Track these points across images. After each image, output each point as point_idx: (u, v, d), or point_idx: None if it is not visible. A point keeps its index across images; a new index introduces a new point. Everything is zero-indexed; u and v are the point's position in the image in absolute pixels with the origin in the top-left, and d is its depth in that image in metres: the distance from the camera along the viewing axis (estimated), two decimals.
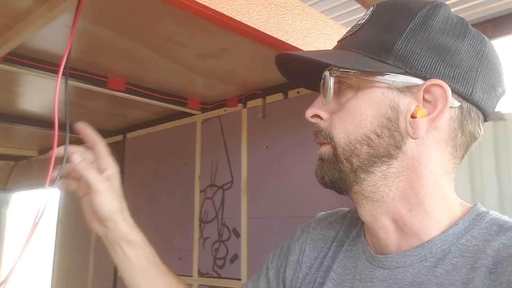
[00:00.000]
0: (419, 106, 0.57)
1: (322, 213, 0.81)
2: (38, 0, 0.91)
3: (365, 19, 0.62)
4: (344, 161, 0.60)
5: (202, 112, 1.68)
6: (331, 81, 0.59)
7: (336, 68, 0.59)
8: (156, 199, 1.83)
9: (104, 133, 2.12)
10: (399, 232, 0.61)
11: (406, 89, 0.58)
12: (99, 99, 1.65)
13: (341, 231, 0.73)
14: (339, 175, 0.61)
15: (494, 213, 0.61)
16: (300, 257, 0.75)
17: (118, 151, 2.02)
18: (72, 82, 1.28)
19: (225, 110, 1.61)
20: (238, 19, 0.82)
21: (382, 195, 0.59)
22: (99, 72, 1.36)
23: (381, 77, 0.57)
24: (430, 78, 0.57)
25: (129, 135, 2.00)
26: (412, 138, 0.58)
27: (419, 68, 0.57)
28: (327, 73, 0.60)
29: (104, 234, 0.77)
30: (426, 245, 0.59)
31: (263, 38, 0.89)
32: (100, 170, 0.75)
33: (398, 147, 0.58)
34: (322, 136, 0.62)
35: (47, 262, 2.42)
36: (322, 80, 0.61)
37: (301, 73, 0.67)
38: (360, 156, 0.59)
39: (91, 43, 1.18)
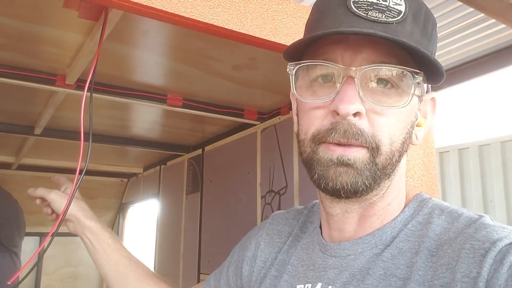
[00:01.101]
0: (421, 116, 0.63)
1: (280, 211, 0.84)
2: (84, 33, 1.11)
3: (402, 6, 0.56)
4: (382, 168, 0.57)
5: (261, 122, 1.77)
6: (414, 85, 0.56)
7: (421, 73, 0.56)
8: (227, 205, 1.96)
9: (187, 148, 2.34)
10: (360, 222, 0.63)
11: (421, 98, 0.61)
12: (182, 118, 1.86)
13: (297, 227, 0.75)
14: (373, 184, 0.57)
15: (436, 200, 0.64)
16: (256, 252, 0.77)
17: (198, 164, 2.21)
18: (134, 101, 1.49)
19: (279, 118, 1.68)
20: (229, 28, 0.90)
21: (379, 196, 0.61)
22: (159, 91, 1.55)
23: (425, 85, 0.60)
24: (428, 90, 0.63)
25: (206, 148, 2.18)
26: (414, 144, 0.63)
27: (437, 78, 0.59)
28: (411, 75, 0.56)
29: (73, 230, 0.96)
30: (376, 233, 0.61)
31: (258, 42, 0.95)
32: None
33: (406, 152, 0.61)
34: (362, 139, 0.55)
35: (149, 265, 2.70)
36: (389, 77, 0.56)
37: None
38: (393, 164, 0.58)
39: (150, 67, 1.36)
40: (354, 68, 0.55)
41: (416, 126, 0.62)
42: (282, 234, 0.76)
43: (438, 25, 0.75)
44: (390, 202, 0.62)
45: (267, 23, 0.96)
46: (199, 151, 2.23)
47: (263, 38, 0.95)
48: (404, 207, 0.63)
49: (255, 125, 1.80)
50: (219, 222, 1.96)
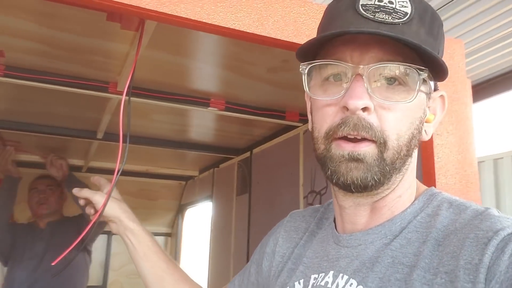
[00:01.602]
0: (430, 113, 0.66)
1: (297, 210, 0.88)
2: (129, 43, 1.22)
3: (409, 8, 0.59)
4: (390, 164, 0.59)
5: (303, 124, 1.81)
6: (419, 81, 0.58)
7: (425, 69, 0.58)
8: (273, 205, 2.00)
9: (237, 151, 2.42)
10: (372, 214, 0.66)
11: (429, 95, 0.64)
12: (232, 122, 1.96)
13: (313, 223, 0.79)
14: (383, 179, 0.59)
15: (446, 194, 0.66)
16: (274, 248, 0.81)
17: (247, 166, 2.28)
18: (177, 105, 1.59)
19: None
20: (250, 31, 0.96)
21: (390, 190, 0.64)
22: (203, 95, 1.64)
23: (430, 83, 0.63)
24: (437, 88, 0.66)
25: (254, 151, 2.24)
26: (423, 140, 0.66)
27: (441, 75, 0.62)
28: (417, 72, 0.58)
29: (116, 230, 1.00)
30: (386, 224, 0.64)
31: (281, 44, 1.00)
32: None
33: (416, 146, 0.64)
34: (371, 132, 0.58)
35: (204, 265, 2.82)
36: (396, 73, 0.59)
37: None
38: (402, 158, 0.60)
39: (193, 74, 1.46)
40: (362, 66, 0.58)
41: (425, 122, 0.64)
42: (299, 230, 0.80)
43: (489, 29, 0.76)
44: (400, 194, 0.64)
45: (288, 25, 1.00)
46: (248, 154, 2.30)
47: (285, 40, 0.99)
48: (414, 200, 0.65)
49: (297, 126, 1.84)
50: (266, 222, 2.01)
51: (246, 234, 2.19)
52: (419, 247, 0.58)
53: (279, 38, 0.99)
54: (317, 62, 0.63)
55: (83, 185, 2.24)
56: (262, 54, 1.27)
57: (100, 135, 2.08)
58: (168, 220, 3.47)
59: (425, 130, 0.65)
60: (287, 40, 1.00)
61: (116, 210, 0.98)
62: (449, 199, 0.63)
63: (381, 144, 0.58)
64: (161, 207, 3.38)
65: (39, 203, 2.33)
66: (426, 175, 1.10)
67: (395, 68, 0.59)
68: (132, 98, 1.51)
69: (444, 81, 1.13)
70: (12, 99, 1.75)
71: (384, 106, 0.58)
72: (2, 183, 2.27)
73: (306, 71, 0.64)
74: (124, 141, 1.03)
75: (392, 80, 0.59)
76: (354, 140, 0.58)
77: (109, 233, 3.25)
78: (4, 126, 2.00)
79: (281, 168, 1.97)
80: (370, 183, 0.58)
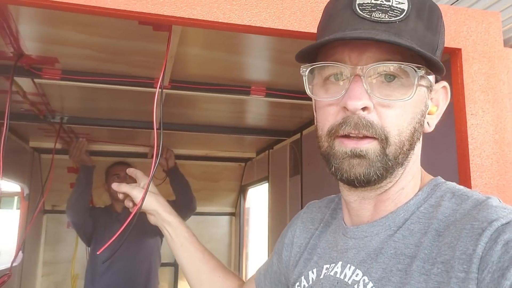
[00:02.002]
0: (433, 104, 0.67)
1: (314, 201, 0.90)
2: (164, 42, 1.30)
3: (405, 4, 0.60)
4: (393, 159, 0.60)
5: None
6: (417, 78, 0.60)
7: (423, 66, 0.59)
8: (322, 188, 2.03)
9: (288, 133, 2.46)
10: (376, 207, 0.68)
11: (431, 88, 0.66)
12: (283, 107, 2.01)
13: (328, 214, 0.82)
14: (385, 174, 0.61)
15: (451, 184, 0.67)
16: (292, 239, 0.85)
17: (298, 148, 2.31)
18: (219, 95, 1.66)
19: None
20: (267, 26, 0.99)
21: (392, 183, 0.66)
22: (244, 84, 1.69)
23: (430, 77, 0.65)
24: (439, 80, 0.67)
25: (304, 132, 2.26)
26: (427, 132, 0.67)
27: (439, 70, 0.63)
28: (414, 70, 0.59)
29: (155, 222, 1.05)
30: (390, 216, 0.66)
31: (298, 35, 1.01)
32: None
33: (419, 139, 0.65)
34: (372, 130, 0.59)
35: (264, 242, 2.92)
36: (392, 72, 0.60)
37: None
38: (404, 153, 0.62)
39: (233, 64, 1.52)
40: (360, 67, 0.59)
41: (428, 114, 0.65)
42: (315, 221, 0.83)
43: None
44: (403, 186, 0.66)
45: (306, 16, 1.01)
46: (298, 136, 2.33)
47: (304, 31, 1.01)
48: (418, 191, 0.66)
49: None
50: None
51: None
52: (421, 238, 0.59)
53: (296, 29, 1.00)
54: (317, 65, 0.65)
55: (184, 179, 2.49)
56: (293, 42, 1.29)
57: (156, 125, 2.22)
58: (231, 200, 3.61)
59: (427, 122, 0.66)
60: (306, 31, 1.01)
61: (153, 204, 1.03)
62: (452, 189, 0.64)
63: (383, 141, 0.59)
64: (223, 188, 3.52)
65: (115, 197, 2.51)
66: (461, 156, 1.07)
67: (393, 67, 0.60)
68: (171, 91, 1.62)
69: (480, 57, 1.09)
70: (80, 98, 1.94)
71: (383, 104, 0.60)
72: (79, 172, 2.51)
73: (306, 73, 0.66)
74: (158, 127, 1.10)
75: (390, 78, 0.60)
76: (356, 136, 0.59)
77: None
78: (78, 122, 2.22)
79: None
80: (373, 178, 0.60)
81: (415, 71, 0.59)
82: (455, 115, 1.09)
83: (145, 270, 2.51)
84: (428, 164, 0.72)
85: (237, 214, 3.59)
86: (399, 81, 0.60)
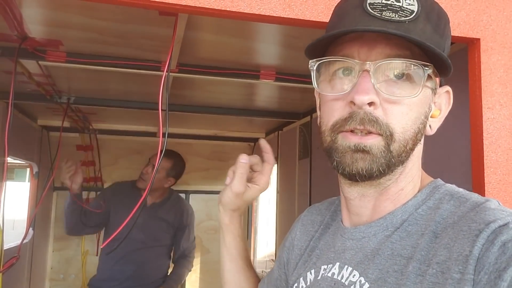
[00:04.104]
0: (435, 108, 0.67)
1: (314, 204, 0.89)
2: (171, 26, 1.26)
3: (415, 6, 0.60)
4: (396, 156, 0.61)
5: None
6: (425, 76, 0.60)
7: (430, 65, 0.60)
8: (331, 171, 2.00)
9: (298, 115, 2.42)
10: (375, 207, 0.68)
11: (435, 91, 0.66)
12: (293, 90, 1.99)
13: (328, 216, 0.81)
14: (388, 170, 0.61)
15: (450, 186, 0.67)
16: (293, 242, 0.85)
17: (307, 130, 2.28)
18: (228, 79, 1.63)
19: None
20: (277, 15, 0.94)
21: (392, 181, 0.65)
22: (254, 68, 1.65)
23: (435, 80, 0.65)
24: (443, 84, 0.67)
25: (314, 115, 2.23)
26: (428, 134, 0.67)
27: (446, 70, 0.63)
28: (422, 67, 0.59)
29: (220, 216, 0.93)
30: (388, 216, 0.66)
31: (310, 24, 0.97)
32: (250, 179, 0.88)
33: (420, 140, 0.65)
34: (377, 126, 0.59)
35: (272, 222, 2.93)
36: (403, 70, 0.60)
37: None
38: (407, 151, 0.62)
39: (242, 49, 1.48)
40: (369, 63, 0.59)
41: (430, 117, 0.66)
42: (315, 223, 0.83)
43: None
44: (403, 187, 0.65)
45: (318, 3, 0.97)
46: (308, 118, 2.29)
47: (315, 20, 0.97)
48: (417, 193, 0.66)
49: None
50: (325, 188, 2.02)
51: (307, 198, 2.23)
52: (417, 240, 0.59)
53: (308, 18, 0.96)
54: (326, 59, 0.64)
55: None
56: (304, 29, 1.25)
57: (163, 106, 2.20)
58: None
59: (429, 125, 0.66)
60: (318, 20, 0.97)
61: (232, 205, 0.89)
62: (451, 191, 0.63)
63: (388, 137, 0.59)
64: None
65: (141, 177, 2.46)
66: (475, 152, 1.04)
67: (401, 64, 0.60)
68: (179, 74, 1.60)
69: (499, 47, 1.04)
70: (86, 80, 1.91)
71: (390, 100, 0.60)
72: (68, 196, 2.32)
73: (314, 68, 0.65)
74: (164, 109, 1.11)
75: (398, 76, 0.60)
76: (361, 131, 0.59)
77: (186, 192, 3.48)
78: (85, 102, 2.21)
79: None
80: (375, 174, 0.60)
81: (423, 70, 0.59)
82: (470, 109, 1.05)
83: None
84: (440, 159, 0.71)
85: None
86: (406, 78, 0.60)
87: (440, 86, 0.67)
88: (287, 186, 2.61)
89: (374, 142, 0.59)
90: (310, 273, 0.72)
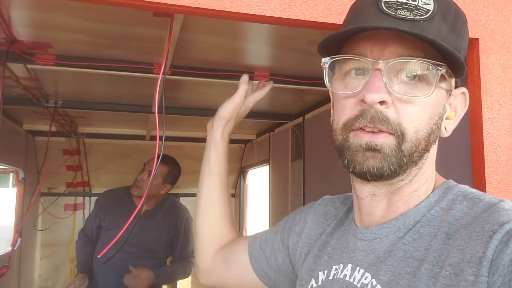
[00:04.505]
0: (451, 109, 0.66)
1: (329, 195, 0.89)
2: (165, 28, 1.23)
3: (431, 5, 0.60)
4: (408, 156, 0.60)
5: None
6: (437, 76, 0.59)
7: (443, 65, 0.59)
8: (325, 172, 1.99)
9: (290, 116, 2.41)
10: (388, 207, 0.67)
11: (450, 92, 0.66)
12: (286, 91, 1.97)
13: (343, 212, 0.81)
14: (399, 170, 0.60)
15: (464, 187, 0.66)
16: (302, 229, 0.84)
17: (300, 131, 2.27)
18: (221, 81, 1.60)
19: None
20: (276, 16, 0.92)
21: (405, 182, 0.65)
22: (247, 69, 1.62)
23: (450, 81, 0.65)
24: (459, 85, 0.66)
25: (306, 116, 2.22)
26: (443, 136, 0.67)
27: (460, 70, 0.62)
28: (435, 67, 0.59)
29: (209, 130, 1.06)
30: (400, 217, 0.65)
31: (310, 25, 0.95)
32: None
33: (435, 142, 0.65)
34: (388, 125, 0.59)
35: (265, 226, 2.91)
36: (418, 68, 0.60)
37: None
38: (420, 151, 0.61)
39: (237, 50, 1.45)
40: (381, 61, 0.59)
41: (445, 119, 0.65)
42: (328, 216, 0.82)
43: None
44: (416, 188, 0.65)
45: (318, 4, 0.95)
46: (300, 119, 2.28)
47: (315, 20, 0.95)
48: (430, 194, 0.65)
49: None
50: (319, 188, 2.02)
51: (301, 199, 2.21)
52: (430, 241, 0.59)
53: (308, 19, 0.95)
54: (339, 57, 0.64)
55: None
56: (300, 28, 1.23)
57: (158, 109, 2.17)
58: (231, 181, 3.58)
59: (445, 127, 0.66)
60: (318, 20, 0.95)
61: (226, 115, 1.05)
62: (464, 192, 0.63)
63: (399, 136, 0.59)
64: None
65: (135, 184, 2.36)
66: (475, 152, 1.04)
67: (414, 64, 0.59)
68: (172, 77, 1.56)
69: (498, 47, 1.04)
70: (75, 83, 1.87)
71: (402, 100, 0.59)
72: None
73: (327, 66, 0.65)
74: (160, 112, 1.09)
75: (411, 75, 0.59)
76: (371, 130, 0.59)
77: (177, 195, 3.44)
78: (73, 106, 2.16)
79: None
80: (386, 173, 0.59)
81: (436, 69, 0.59)
82: (469, 109, 1.04)
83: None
84: (440, 160, 0.71)
85: (237, 195, 3.57)
86: (419, 78, 0.60)
87: (456, 87, 0.66)
88: (280, 187, 2.59)
89: (385, 140, 0.59)
90: (323, 273, 0.72)
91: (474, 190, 0.64)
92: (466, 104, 0.68)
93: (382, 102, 0.58)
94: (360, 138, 0.59)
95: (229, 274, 0.96)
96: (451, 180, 0.67)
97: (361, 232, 0.68)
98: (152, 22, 1.19)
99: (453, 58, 0.58)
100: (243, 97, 1.07)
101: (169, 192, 2.53)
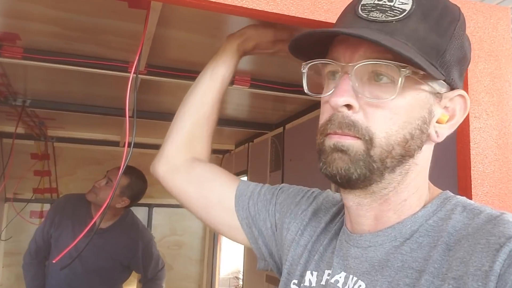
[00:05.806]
0: (444, 113, 0.63)
1: (332, 193, 0.86)
2: (141, 22, 1.17)
3: (408, 5, 0.58)
4: (379, 161, 0.59)
5: None
6: (402, 78, 0.57)
7: (409, 66, 0.56)
8: (304, 184, 1.94)
9: (270, 126, 2.36)
10: (377, 217, 0.65)
11: (439, 95, 0.61)
12: (266, 99, 1.92)
13: (342, 212, 0.78)
14: (369, 175, 0.59)
15: (462, 198, 0.64)
16: (301, 213, 0.83)
17: (280, 142, 2.22)
18: None
19: None
20: (260, 9, 0.87)
21: (389, 190, 0.63)
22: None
23: (431, 82, 0.61)
24: (455, 87, 0.62)
25: (287, 126, 2.17)
26: (434, 142, 0.64)
27: (452, 77, 0.61)
28: (398, 68, 0.57)
29: (228, 45, 1.02)
30: (396, 226, 0.63)
31: (295, 21, 0.91)
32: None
33: (420, 147, 0.62)
34: (355, 130, 0.58)
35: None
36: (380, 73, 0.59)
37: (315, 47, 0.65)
38: (394, 157, 0.59)
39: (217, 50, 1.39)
40: (349, 65, 0.59)
41: (437, 123, 0.62)
42: (327, 212, 0.80)
43: None
44: (406, 198, 0.63)
45: (304, 0, 0.91)
46: (281, 129, 2.23)
47: (300, 17, 0.90)
48: (427, 203, 0.64)
49: None
50: None
51: None
52: (429, 252, 0.57)
53: (293, 15, 0.90)
54: (313, 62, 0.64)
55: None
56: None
57: (130, 113, 2.08)
58: None
59: (436, 131, 0.62)
60: (303, 16, 0.90)
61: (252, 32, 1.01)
62: (463, 203, 0.62)
63: (367, 141, 0.58)
64: None
65: (92, 190, 2.19)
66: (461, 162, 1.00)
67: (377, 66, 0.58)
68: (147, 77, 1.49)
69: (486, 55, 1.01)
70: (46, 80, 1.77)
71: (371, 105, 0.58)
72: None
73: (305, 70, 0.66)
74: (131, 116, 1.01)
75: (379, 78, 0.58)
76: (340, 134, 0.59)
77: (150, 206, 3.33)
78: (42, 106, 2.04)
79: (312, 145, 1.90)
80: (353, 176, 0.58)
81: (400, 71, 0.56)
82: None
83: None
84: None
85: None
86: (388, 80, 0.58)
87: (452, 89, 0.63)
88: None
89: (351, 143, 0.58)
90: (311, 273, 0.71)
91: (472, 201, 0.63)
92: (467, 108, 0.64)
93: (349, 107, 0.58)
94: (330, 140, 0.60)
95: (194, 192, 0.93)
96: (447, 191, 0.66)
97: (354, 238, 0.66)
98: (128, 15, 1.12)
99: (413, 61, 0.54)
100: (274, 36, 1.01)
101: (139, 201, 2.34)
